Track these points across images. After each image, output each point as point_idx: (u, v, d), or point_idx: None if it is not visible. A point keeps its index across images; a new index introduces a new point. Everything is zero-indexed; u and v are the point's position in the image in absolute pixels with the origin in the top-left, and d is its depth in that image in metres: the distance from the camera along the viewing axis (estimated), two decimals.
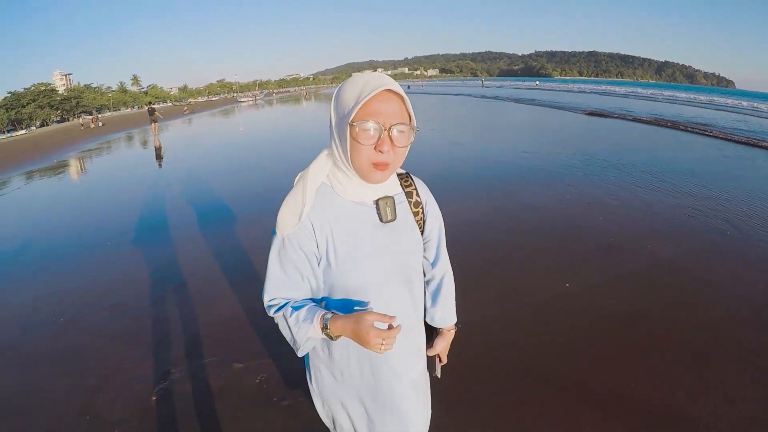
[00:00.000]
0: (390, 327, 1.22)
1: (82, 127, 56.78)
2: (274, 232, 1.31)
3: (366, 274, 1.29)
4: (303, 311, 1.28)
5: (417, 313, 1.50)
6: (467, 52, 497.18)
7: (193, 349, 3.90)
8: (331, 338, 1.26)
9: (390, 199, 1.32)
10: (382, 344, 1.19)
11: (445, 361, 1.62)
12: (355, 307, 1.31)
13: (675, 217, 6.60)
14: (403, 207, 1.38)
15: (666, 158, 11.32)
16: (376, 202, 1.30)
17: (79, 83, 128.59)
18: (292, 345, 1.31)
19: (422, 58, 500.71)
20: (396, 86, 1.15)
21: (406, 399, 1.47)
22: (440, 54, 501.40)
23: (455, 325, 1.61)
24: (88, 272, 6.11)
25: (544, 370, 3.28)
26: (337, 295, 1.32)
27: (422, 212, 1.44)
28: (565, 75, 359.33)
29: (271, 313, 1.33)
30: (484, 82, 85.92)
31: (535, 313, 4.11)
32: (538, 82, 72.53)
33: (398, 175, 1.44)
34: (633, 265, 4.99)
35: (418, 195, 1.43)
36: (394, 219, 1.32)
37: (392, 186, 1.36)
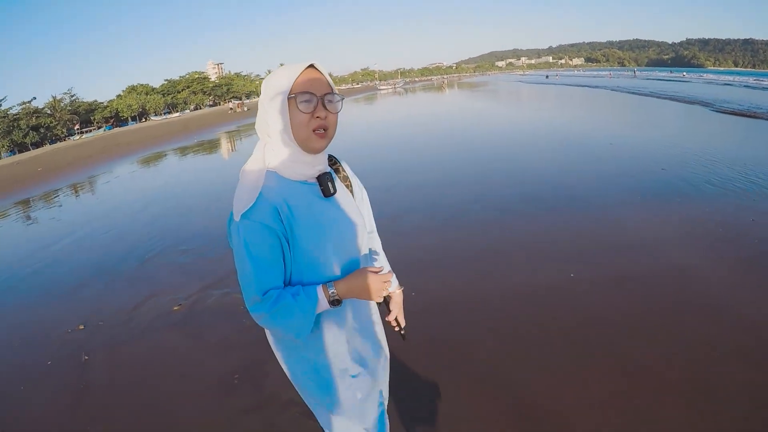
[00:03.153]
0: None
1: (230, 111, 64.30)
2: (232, 221, 1.37)
3: (327, 245, 1.42)
4: (303, 291, 1.38)
5: None
6: (614, 40, 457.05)
7: (219, 282, 5.15)
8: (337, 304, 1.40)
9: (329, 175, 1.45)
10: (383, 289, 1.43)
11: (403, 322, 1.78)
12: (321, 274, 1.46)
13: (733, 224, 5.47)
14: (337, 182, 1.52)
15: None
16: (318, 178, 1.42)
17: (229, 72, 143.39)
18: (299, 329, 1.39)
19: (567, 47, 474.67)
20: (318, 63, 1.36)
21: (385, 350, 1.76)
22: (585, 42, 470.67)
23: (399, 285, 1.79)
24: (180, 226, 7.90)
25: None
26: (302, 272, 1.42)
27: (351, 186, 1.59)
28: (719, 65, 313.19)
29: (264, 308, 1.36)
30: (636, 73, 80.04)
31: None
32: (685, 74, 65.73)
33: None
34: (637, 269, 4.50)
35: (344, 170, 1.60)
36: (335, 192, 1.45)
37: (327, 163, 1.50)
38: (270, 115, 1.36)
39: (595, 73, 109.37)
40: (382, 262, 1.78)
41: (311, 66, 1.36)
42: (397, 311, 1.75)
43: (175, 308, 4.63)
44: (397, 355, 3.23)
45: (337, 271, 1.46)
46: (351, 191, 1.58)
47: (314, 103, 1.33)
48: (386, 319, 1.75)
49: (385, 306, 1.75)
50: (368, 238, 1.68)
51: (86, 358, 3.97)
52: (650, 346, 3.23)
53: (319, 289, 1.38)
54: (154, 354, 3.92)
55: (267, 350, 3.37)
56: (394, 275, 1.75)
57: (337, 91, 1.40)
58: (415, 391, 2.99)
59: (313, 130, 1.35)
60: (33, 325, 4.90)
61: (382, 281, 1.42)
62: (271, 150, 1.40)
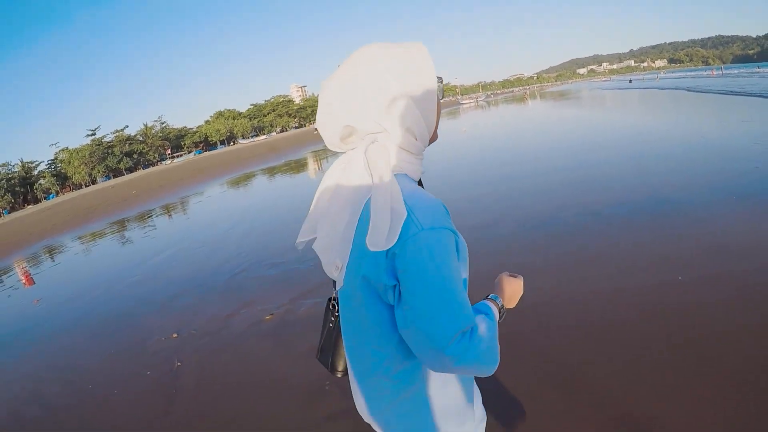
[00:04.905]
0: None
1: (316, 132, 66.97)
2: (438, 228, 1.01)
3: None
4: (483, 311, 1.17)
5: None
6: (696, 38, 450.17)
7: (309, 292, 5.26)
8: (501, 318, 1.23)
9: None
10: None
11: None
12: None
13: None
14: None
15: None
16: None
17: (313, 94, 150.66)
18: (494, 363, 1.10)
19: (648, 49, 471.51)
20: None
21: None
22: (667, 43, 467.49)
23: None
24: (269, 241, 8.26)
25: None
26: None
27: None
28: None
29: (469, 345, 1.02)
30: (723, 71, 73.60)
31: None
32: None
33: None
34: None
35: None
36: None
37: None
38: (413, 112, 1.11)
39: (683, 74, 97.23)
40: None
41: None
42: None
43: (267, 318, 4.78)
44: None
45: None
46: None
47: None
48: None
49: None
50: None
51: (179, 364, 4.18)
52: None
53: (490, 304, 1.20)
54: (245, 362, 4.05)
55: None
56: None
57: None
58: (501, 399, 2.85)
59: None
60: (131, 333, 5.31)
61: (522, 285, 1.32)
62: (397, 151, 1.15)
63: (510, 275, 1.30)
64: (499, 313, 1.20)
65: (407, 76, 1.09)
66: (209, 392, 3.66)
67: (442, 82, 1.19)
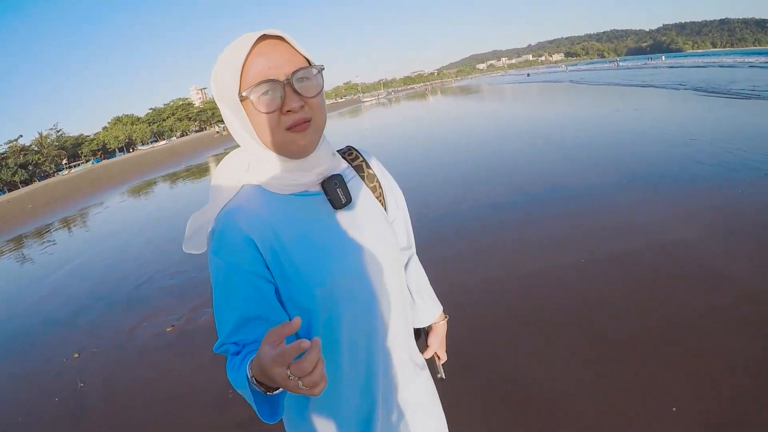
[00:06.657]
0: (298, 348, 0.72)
1: (217, 134, 65.51)
2: (212, 255, 0.97)
3: (335, 275, 1.01)
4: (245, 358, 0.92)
5: (404, 310, 1.19)
6: (592, 33, 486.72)
7: (209, 300, 5.19)
8: (264, 389, 0.85)
9: (338, 178, 1.06)
10: (297, 380, 0.72)
11: (444, 357, 1.45)
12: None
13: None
14: (356, 184, 1.13)
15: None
16: (322, 185, 1.04)
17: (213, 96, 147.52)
18: (254, 407, 0.91)
19: (546, 44, 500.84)
20: (273, 30, 0.94)
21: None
22: (564, 37, 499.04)
23: (444, 313, 1.44)
24: (170, 250, 7.99)
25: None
26: (303, 315, 0.98)
27: (379, 186, 1.21)
28: (697, 48, 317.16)
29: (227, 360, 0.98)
30: (618, 63, 79.39)
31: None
32: (663, 58, 65.79)
33: (339, 151, 1.20)
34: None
35: (369, 167, 1.20)
36: (350, 201, 1.06)
37: (336, 163, 1.11)
38: (227, 121, 1.02)
39: (586, 66, 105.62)
40: (425, 297, 1.38)
41: (263, 37, 0.93)
42: (436, 345, 1.41)
43: (168, 329, 4.72)
44: None
45: (355, 307, 1.04)
46: (382, 195, 1.21)
47: (279, 94, 0.92)
48: (423, 355, 1.34)
49: (423, 338, 1.42)
50: (402, 259, 1.29)
51: (81, 385, 4.04)
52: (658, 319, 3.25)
53: (248, 362, 0.87)
54: (150, 376, 4.00)
55: None
56: (437, 302, 1.40)
57: (311, 63, 0.99)
58: None
59: (289, 129, 0.94)
60: (33, 355, 5.04)
61: (277, 362, 0.72)
62: (250, 158, 1.04)
63: (268, 342, 0.75)
64: (250, 378, 0.84)
65: (216, 80, 0.99)
66: (116, 411, 3.58)
67: (321, 71, 0.99)
